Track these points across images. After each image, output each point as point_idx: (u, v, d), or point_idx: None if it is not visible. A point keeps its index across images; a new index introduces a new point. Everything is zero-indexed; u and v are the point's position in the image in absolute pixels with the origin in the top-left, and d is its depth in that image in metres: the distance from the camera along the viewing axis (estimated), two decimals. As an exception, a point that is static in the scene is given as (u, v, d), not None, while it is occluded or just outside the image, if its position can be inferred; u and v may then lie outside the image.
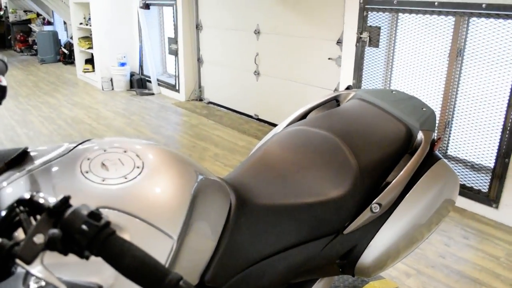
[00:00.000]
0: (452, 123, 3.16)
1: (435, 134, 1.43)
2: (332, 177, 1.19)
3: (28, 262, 0.54)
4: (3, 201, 0.74)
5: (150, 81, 6.61)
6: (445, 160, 1.39)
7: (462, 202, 2.96)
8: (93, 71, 7.38)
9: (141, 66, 6.94)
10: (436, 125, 1.60)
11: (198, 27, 5.79)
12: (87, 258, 0.58)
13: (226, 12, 5.26)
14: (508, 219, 2.77)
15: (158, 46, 6.74)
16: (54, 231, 0.56)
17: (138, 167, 0.86)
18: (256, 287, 1.04)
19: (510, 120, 2.67)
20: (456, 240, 2.59)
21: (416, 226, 1.26)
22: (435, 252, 2.46)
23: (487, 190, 2.86)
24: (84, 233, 0.56)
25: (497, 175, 2.79)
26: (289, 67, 4.53)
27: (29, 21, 11.40)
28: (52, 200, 0.59)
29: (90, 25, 6.89)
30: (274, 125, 4.55)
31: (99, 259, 0.57)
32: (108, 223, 0.58)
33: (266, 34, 4.74)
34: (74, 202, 0.60)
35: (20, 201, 0.61)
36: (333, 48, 3.95)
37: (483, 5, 2.72)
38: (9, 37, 11.94)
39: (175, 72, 6.15)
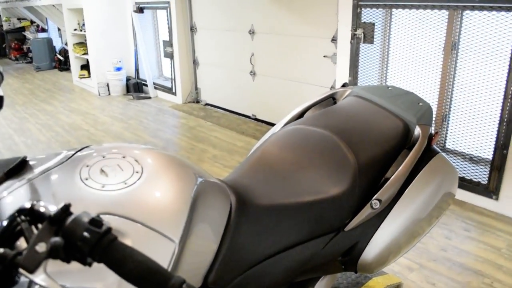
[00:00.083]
0: (449, 117, 3.16)
1: (433, 129, 1.43)
2: (331, 175, 1.19)
3: (31, 271, 0.55)
4: (4, 211, 0.74)
5: (146, 85, 6.61)
6: (443, 154, 1.39)
7: (462, 195, 2.97)
8: (89, 76, 7.37)
9: (137, 70, 6.94)
10: (433, 119, 1.61)
11: (192, 29, 5.79)
12: (89, 265, 0.58)
13: (220, 13, 5.26)
14: (508, 210, 2.78)
15: (153, 49, 6.74)
16: (56, 239, 0.56)
17: (137, 172, 0.86)
18: (259, 287, 1.04)
19: (507, 112, 2.68)
20: (457, 233, 2.60)
21: (417, 221, 1.27)
22: (437, 246, 2.47)
23: (486, 182, 2.87)
24: (86, 240, 0.56)
25: (496, 167, 2.79)
26: (285, 66, 4.54)
27: (23, 28, 11.38)
28: (52, 209, 0.60)
29: (85, 31, 6.88)
30: (272, 124, 4.55)
31: (102, 265, 0.58)
32: (109, 229, 0.58)
33: (261, 34, 4.75)
34: (75, 210, 0.60)
35: (21, 211, 0.61)
36: (328, 45, 3.96)
37: (476, -2, 2.73)
38: (3, 46, 11.92)
39: (171, 75, 6.14)
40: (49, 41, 9.77)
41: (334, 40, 3.87)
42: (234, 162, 3.84)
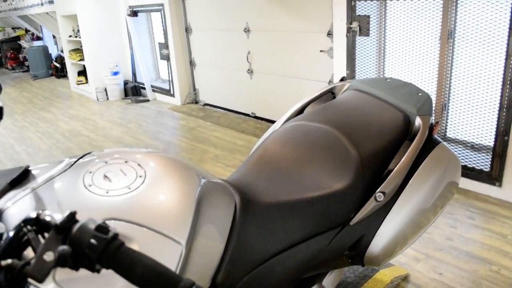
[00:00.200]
0: (448, 106, 3.16)
1: (433, 118, 1.43)
2: (334, 169, 1.19)
3: (41, 280, 0.55)
4: (10, 221, 0.74)
5: (144, 88, 6.60)
6: (445, 143, 1.39)
7: (465, 183, 2.97)
8: (87, 82, 7.37)
9: (134, 74, 6.93)
10: (433, 109, 1.61)
11: (187, 30, 5.78)
12: (98, 271, 0.58)
13: (214, 13, 5.25)
14: (512, 196, 2.78)
15: (149, 52, 6.73)
16: (64, 247, 0.56)
17: (140, 176, 0.86)
18: (267, 285, 1.04)
19: (506, 98, 2.67)
20: (462, 222, 2.60)
21: (422, 211, 1.27)
22: (443, 235, 2.47)
23: (489, 169, 2.87)
24: (94, 247, 0.56)
25: (498, 154, 2.79)
26: (282, 62, 4.53)
27: (18, 38, 11.38)
28: (58, 217, 0.60)
29: (80, 37, 6.88)
30: (272, 122, 4.55)
31: (111, 271, 0.58)
32: (116, 235, 0.58)
33: (256, 32, 4.74)
34: (80, 217, 0.60)
35: (27, 221, 0.61)
36: (324, 40, 3.95)
37: (470, -15, 2.72)
38: (-1, 56, 11.92)
39: (169, 76, 6.14)
40: (44, 49, 9.76)
41: (330, 34, 3.86)
42: (236, 161, 3.84)
